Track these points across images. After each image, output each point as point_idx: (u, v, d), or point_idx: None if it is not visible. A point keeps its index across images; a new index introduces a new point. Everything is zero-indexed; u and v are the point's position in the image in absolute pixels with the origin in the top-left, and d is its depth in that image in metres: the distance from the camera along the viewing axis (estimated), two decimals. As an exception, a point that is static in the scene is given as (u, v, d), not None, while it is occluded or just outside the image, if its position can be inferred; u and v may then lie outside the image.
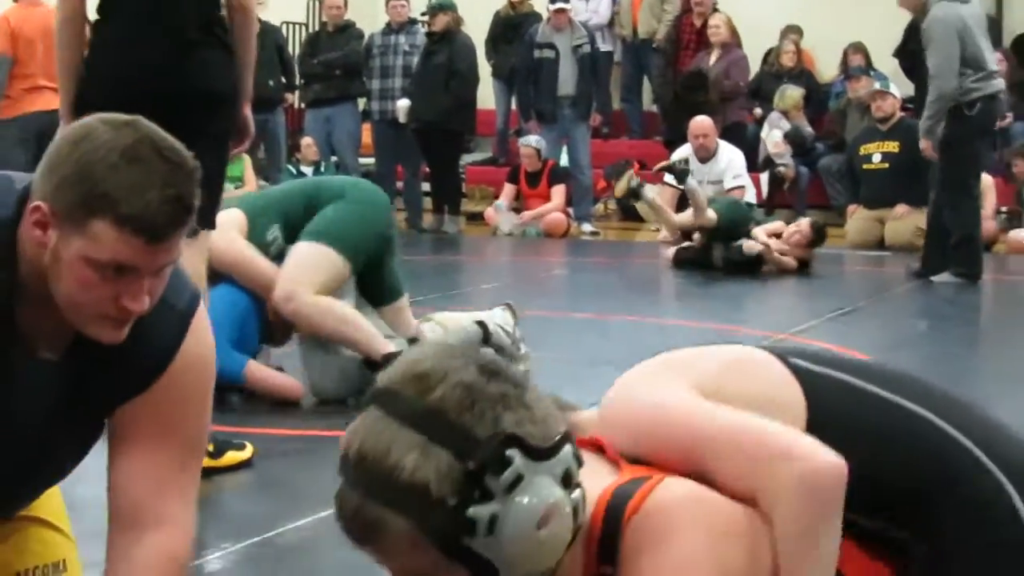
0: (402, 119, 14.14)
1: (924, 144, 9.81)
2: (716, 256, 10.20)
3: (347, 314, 5.58)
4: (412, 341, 5.57)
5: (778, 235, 10.53)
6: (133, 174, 2.21)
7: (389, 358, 5.24)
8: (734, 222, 10.38)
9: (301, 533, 3.97)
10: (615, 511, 2.05)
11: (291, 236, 5.72)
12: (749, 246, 10.16)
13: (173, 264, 2.32)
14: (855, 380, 2.29)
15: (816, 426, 2.20)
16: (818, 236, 10.58)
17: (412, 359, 2.00)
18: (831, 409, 2.25)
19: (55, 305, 2.32)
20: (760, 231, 10.45)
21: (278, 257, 5.68)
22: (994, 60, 10.18)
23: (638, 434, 2.18)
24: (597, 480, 2.09)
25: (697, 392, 2.20)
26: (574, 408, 2.32)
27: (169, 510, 2.46)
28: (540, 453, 1.93)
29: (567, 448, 1.97)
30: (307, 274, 5.55)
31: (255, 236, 5.75)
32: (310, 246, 5.62)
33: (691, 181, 10.55)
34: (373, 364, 5.34)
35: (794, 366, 2.29)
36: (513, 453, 1.91)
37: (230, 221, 5.61)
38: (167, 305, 2.40)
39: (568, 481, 1.97)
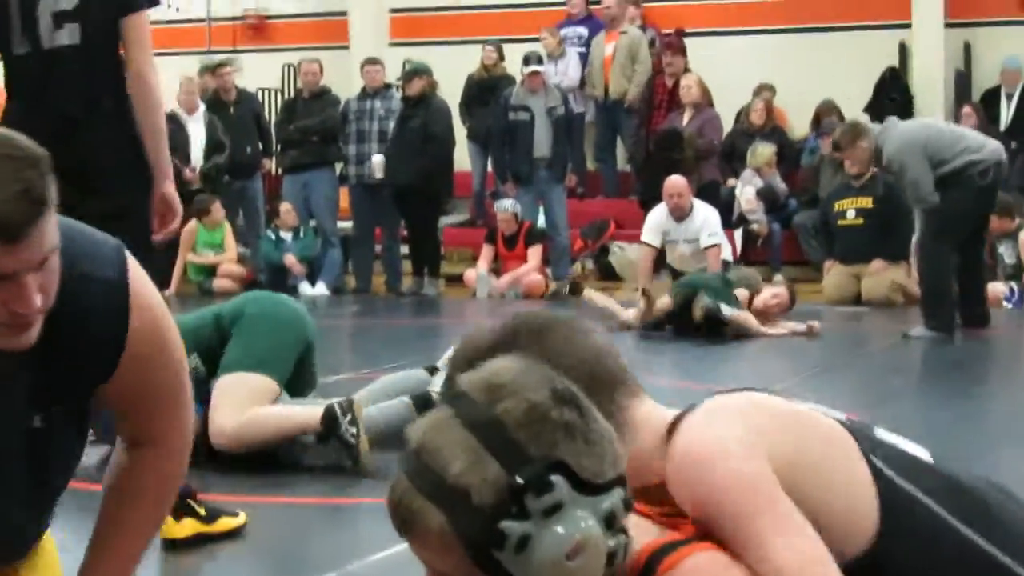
0: (378, 174, 14.22)
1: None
2: (696, 309, 10.10)
3: (270, 412, 5.44)
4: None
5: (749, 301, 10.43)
6: None
7: (326, 417, 5.34)
8: (718, 292, 10.30)
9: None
10: (651, 565, 2.10)
11: (212, 363, 5.57)
12: (731, 315, 10.08)
13: (52, 254, 2.28)
14: (936, 507, 2.24)
15: (883, 550, 2.21)
16: (792, 300, 10.61)
17: (496, 369, 2.05)
18: (905, 538, 2.23)
19: None
20: (743, 312, 10.26)
21: (198, 384, 5.54)
22: (974, 135, 10.33)
23: (705, 508, 2.18)
24: (644, 535, 2.14)
25: (775, 479, 2.17)
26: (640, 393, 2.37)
27: (164, 435, 2.66)
28: (587, 487, 1.96)
29: (617, 491, 2.00)
30: (234, 404, 5.40)
31: None
32: (233, 378, 5.48)
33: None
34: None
35: (877, 470, 2.25)
36: (559, 480, 1.94)
37: None
38: (96, 280, 2.42)
39: (611, 523, 1.98)
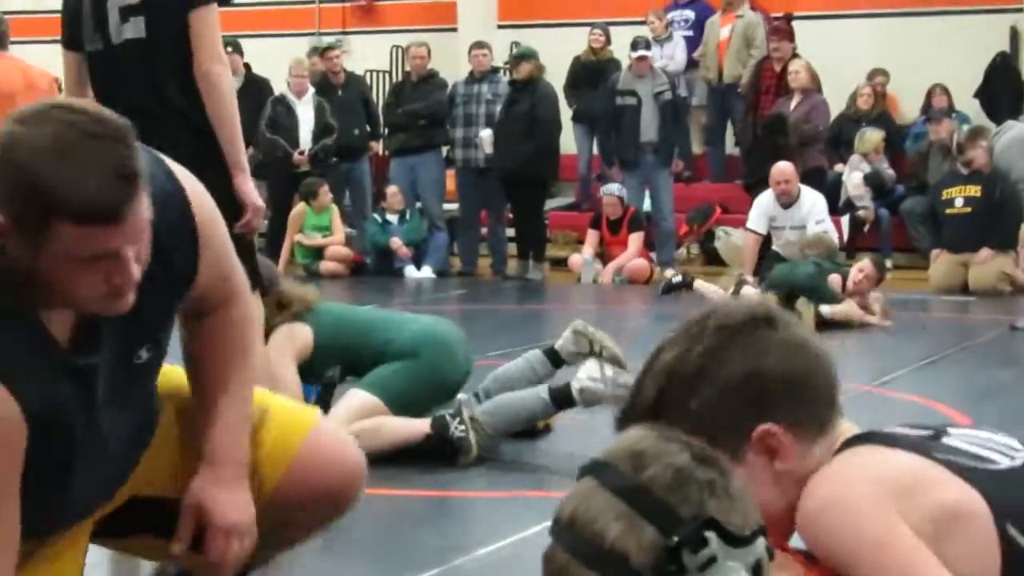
0: (488, 149, 14.29)
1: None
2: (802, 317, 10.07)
3: (383, 423, 5.46)
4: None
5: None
6: (67, 166, 2.27)
7: (436, 423, 5.43)
8: (814, 289, 10.24)
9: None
10: None
11: (350, 369, 5.61)
12: (831, 313, 10.04)
13: (147, 227, 2.41)
14: None
15: None
16: (881, 271, 10.48)
17: (632, 439, 2.12)
18: None
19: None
20: (842, 306, 10.20)
21: (325, 387, 5.57)
22: None
23: (842, 562, 2.22)
24: (791, 572, 2.21)
25: (908, 530, 2.19)
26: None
27: (232, 291, 2.85)
28: (736, 540, 2.03)
29: (761, 540, 2.07)
30: (348, 420, 5.37)
31: (312, 366, 5.60)
32: (365, 396, 5.50)
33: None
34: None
35: (1009, 539, 2.21)
36: (711, 536, 2.01)
37: (292, 340, 5.56)
38: (158, 198, 2.48)
39: (759, 572, 2.06)
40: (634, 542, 2.01)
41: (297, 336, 5.60)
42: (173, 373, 2.94)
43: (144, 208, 2.37)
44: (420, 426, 5.51)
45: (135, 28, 4.82)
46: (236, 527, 2.80)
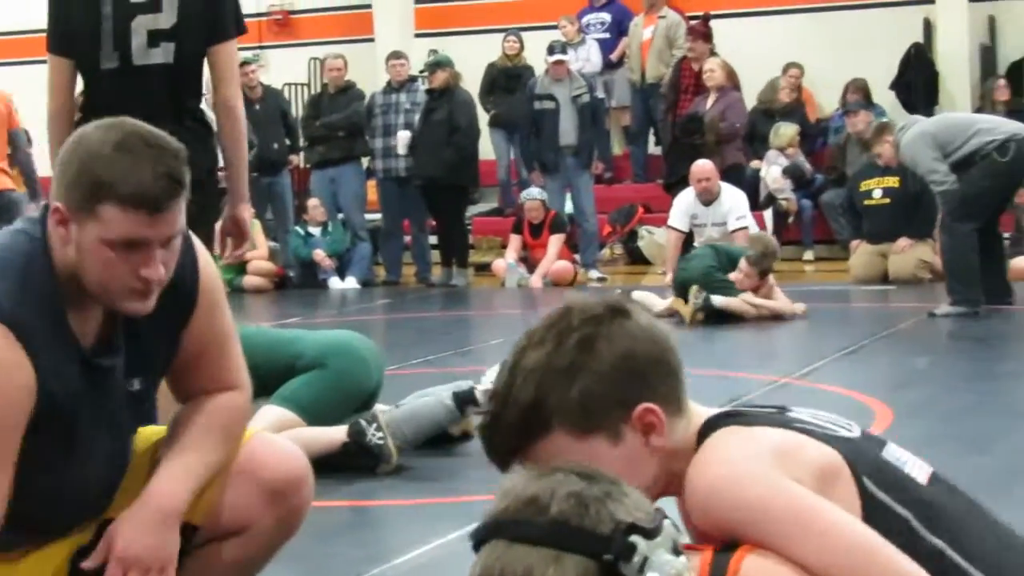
0: (401, 151, 14.33)
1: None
2: (690, 310, 10.13)
3: (297, 435, 5.26)
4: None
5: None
6: (126, 161, 2.65)
7: (352, 430, 5.42)
8: (706, 276, 10.29)
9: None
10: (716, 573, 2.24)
11: (260, 389, 5.62)
12: (722, 304, 10.11)
13: (178, 237, 2.75)
14: (914, 521, 2.31)
15: None
16: (762, 264, 10.43)
17: (515, 490, 2.16)
18: None
19: (91, 300, 2.75)
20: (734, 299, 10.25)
21: None
22: (988, 117, 10.45)
23: (743, 527, 2.26)
24: (690, 553, 2.26)
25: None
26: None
27: (231, 379, 3.04)
28: (653, 532, 2.12)
29: (667, 521, 2.16)
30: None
31: None
32: (278, 411, 5.49)
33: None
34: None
35: (868, 492, 2.32)
36: (636, 539, 2.09)
37: None
38: None
39: (677, 550, 2.15)
40: (573, 575, 2.07)
41: None
42: (154, 431, 3.08)
43: (180, 221, 2.72)
44: (337, 434, 5.50)
45: (164, 53, 4.88)
46: (137, 562, 2.84)
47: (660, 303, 10.47)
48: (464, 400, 5.70)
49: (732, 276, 10.21)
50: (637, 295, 10.95)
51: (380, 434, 5.48)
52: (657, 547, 2.11)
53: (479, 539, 2.15)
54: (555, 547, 2.08)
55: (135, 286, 2.71)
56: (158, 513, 2.86)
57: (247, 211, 4.96)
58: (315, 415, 5.53)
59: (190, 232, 2.94)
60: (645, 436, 2.37)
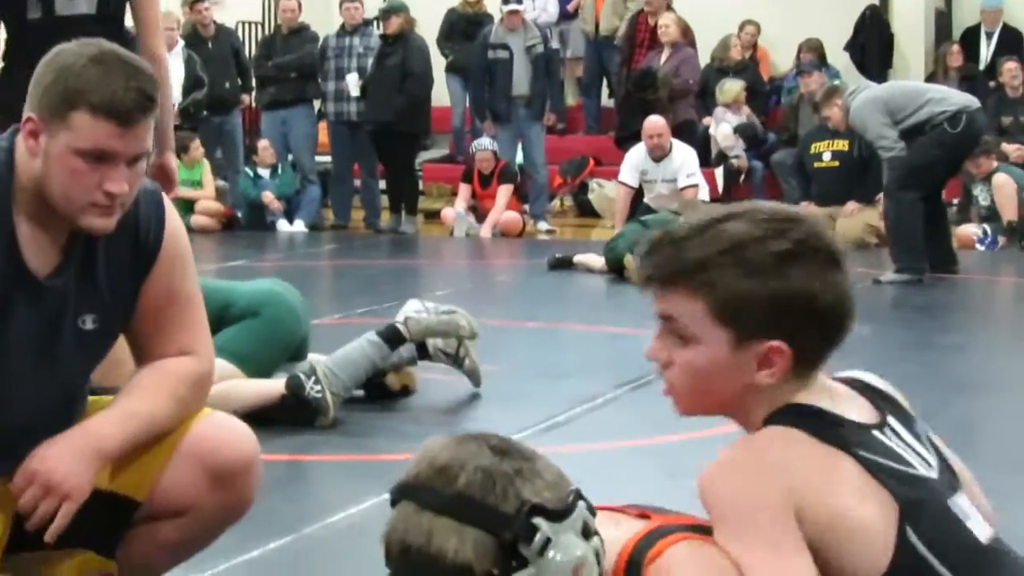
0: (354, 92, 14.28)
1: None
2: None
3: (235, 386, 5.42)
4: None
5: None
6: (100, 72, 2.70)
7: (291, 383, 5.42)
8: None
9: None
10: (636, 558, 2.26)
11: None
12: None
13: (145, 157, 2.78)
14: None
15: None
16: None
17: (430, 454, 2.18)
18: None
19: (49, 214, 2.76)
20: None
21: None
22: (939, 87, 10.53)
23: (710, 511, 2.28)
24: (625, 529, 2.30)
25: (784, 505, 2.24)
26: None
27: (190, 345, 3.01)
28: (560, 514, 2.13)
29: (581, 504, 2.17)
30: None
31: None
32: (219, 362, 5.45)
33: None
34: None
35: (908, 545, 2.27)
36: (539, 520, 2.11)
37: None
38: (140, 192, 2.86)
39: (587, 533, 2.16)
40: (471, 551, 2.09)
41: None
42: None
43: (148, 140, 2.76)
44: (274, 387, 5.50)
45: (88, 3, 4.96)
46: (45, 480, 2.76)
47: (601, 262, 10.49)
48: (390, 336, 5.70)
49: None
50: (579, 258, 10.96)
51: (318, 387, 5.48)
52: (564, 529, 2.13)
53: (392, 498, 2.18)
54: (458, 520, 2.10)
55: (98, 200, 2.73)
56: (86, 445, 2.80)
57: (172, 159, 5.00)
58: (252, 364, 5.52)
59: (162, 193, 2.98)
60: (759, 368, 2.34)
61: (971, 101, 10.03)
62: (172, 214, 2.98)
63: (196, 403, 3.00)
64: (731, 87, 15.02)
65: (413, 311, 5.80)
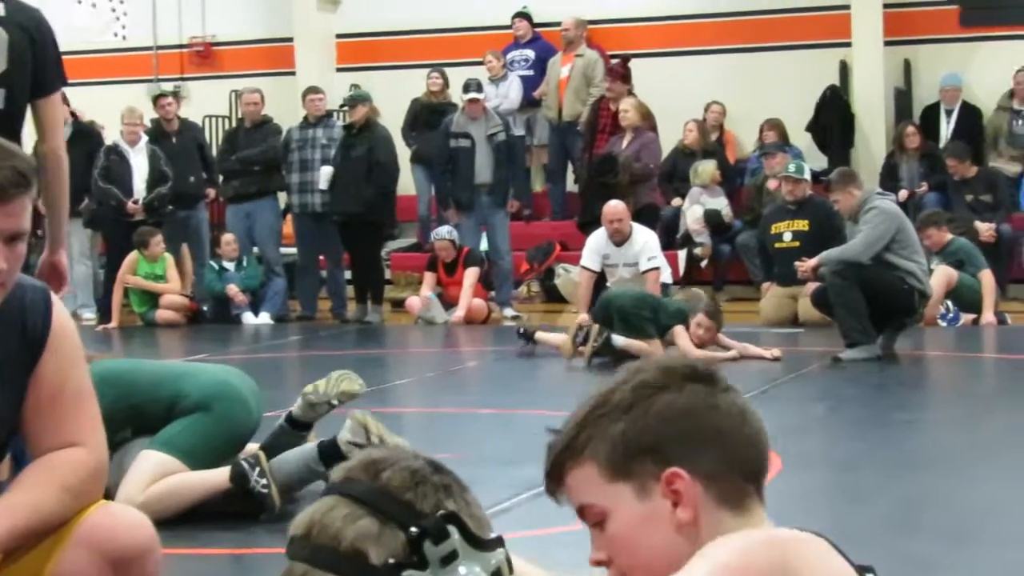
0: (323, 186, 14.30)
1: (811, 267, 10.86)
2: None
3: (180, 480, 5.39)
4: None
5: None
6: None
7: (235, 475, 5.39)
8: (636, 305, 10.47)
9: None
10: None
11: (142, 428, 5.47)
12: (624, 343, 10.27)
13: (24, 237, 2.84)
14: None
15: None
16: (719, 317, 10.68)
17: (368, 453, 2.13)
18: None
19: None
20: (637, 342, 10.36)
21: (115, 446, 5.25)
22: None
23: None
24: None
25: None
26: None
27: (80, 438, 3.00)
28: (478, 542, 2.03)
29: (501, 551, 2.07)
30: (145, 484, 5.32)
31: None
32: (159, 457, 5.38)
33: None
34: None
35: None
36: (453, 530, 2.01)
37: None
38: (27, 286, 2.96)
39: None
40: (373, 540, 2.00)
41: None
42: None
43: (25, 221, 2.82)
44: (219, 478, 5.44)
45: None
46: None
47: (567, 341, 10.55)
48: (331, 452, 5.57)
49: (692, 332, 10.35)
50: (540, 336, 11.03)
51: (264, 480, 5.44)
52: (475, 558, 2.02)
53: (327, 489, 2.11)
54: (372, 509, 2.03)
55: None
56: None
57: (64, 256, 5.05)
58: (199, 460, 5.45)
59: (49, 289, 3.01)
60: (673, 507, 2.20)
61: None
62: (60, 309, 3.02)
63: (88, 494, 2.98)
64: (705, 168, 15.13)
65: (351, 433, 5.53)
